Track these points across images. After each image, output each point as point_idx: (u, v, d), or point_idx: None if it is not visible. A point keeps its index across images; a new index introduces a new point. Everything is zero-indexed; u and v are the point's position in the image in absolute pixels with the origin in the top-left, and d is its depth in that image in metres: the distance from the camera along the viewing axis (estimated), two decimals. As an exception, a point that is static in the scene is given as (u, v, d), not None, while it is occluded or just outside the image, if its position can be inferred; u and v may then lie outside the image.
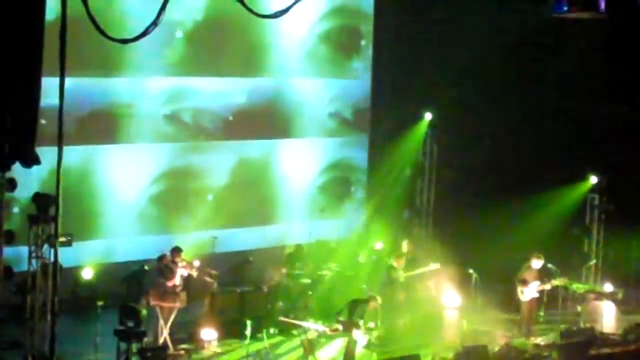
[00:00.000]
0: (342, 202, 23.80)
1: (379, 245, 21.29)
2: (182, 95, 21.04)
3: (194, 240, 20.01)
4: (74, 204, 18.89)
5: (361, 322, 16.27)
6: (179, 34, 20.69)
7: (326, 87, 23.25)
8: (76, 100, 18.70)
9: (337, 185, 23.82)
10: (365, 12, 23.59)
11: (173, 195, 21.06)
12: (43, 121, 13.49)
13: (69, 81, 11.92)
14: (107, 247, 20.13)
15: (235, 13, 18.76)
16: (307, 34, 22.65)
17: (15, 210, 18.17)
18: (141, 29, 12.65)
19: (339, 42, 23.25)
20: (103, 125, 19.99)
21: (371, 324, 16.49)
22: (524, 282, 18.39)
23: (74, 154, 19.02)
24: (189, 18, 20.73)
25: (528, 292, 18.38)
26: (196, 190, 21.42)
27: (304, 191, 23.11)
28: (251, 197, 22.14)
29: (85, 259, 19.40)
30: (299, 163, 22.89)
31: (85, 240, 19.21)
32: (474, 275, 19.26)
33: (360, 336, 16.33)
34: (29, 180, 16.21)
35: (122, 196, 20.34)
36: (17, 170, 13.83)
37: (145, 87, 20.43)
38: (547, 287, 18.54)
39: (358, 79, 23.69)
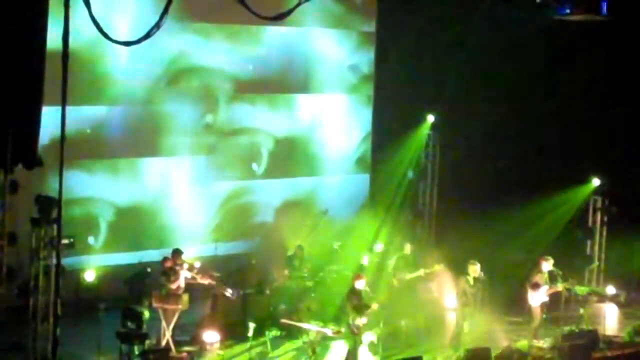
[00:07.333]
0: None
1: (380, 247, 21.25)
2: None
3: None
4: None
5: (361, 321, 16.30)
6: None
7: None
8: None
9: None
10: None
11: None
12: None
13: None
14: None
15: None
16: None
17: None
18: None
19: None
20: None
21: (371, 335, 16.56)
22: (536, 286, 18.27)
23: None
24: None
25: (539, 296, 18.29)
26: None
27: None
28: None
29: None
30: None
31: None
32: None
33: (362, 338, 16.34)
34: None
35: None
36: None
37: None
38: (558, 289, 18.50)
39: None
